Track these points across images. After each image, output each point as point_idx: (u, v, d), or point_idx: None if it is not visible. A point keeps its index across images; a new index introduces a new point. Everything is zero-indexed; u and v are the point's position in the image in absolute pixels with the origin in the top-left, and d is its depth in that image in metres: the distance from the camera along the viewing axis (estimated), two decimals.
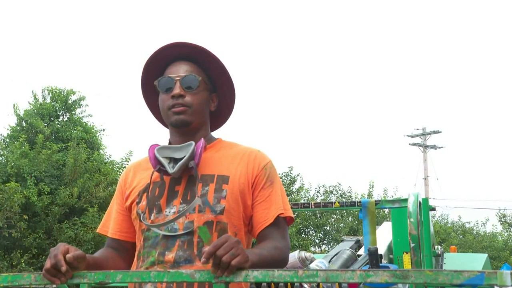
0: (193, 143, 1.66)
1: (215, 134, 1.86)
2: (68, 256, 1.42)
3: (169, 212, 1.64)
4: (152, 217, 1.65)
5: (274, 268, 1.56)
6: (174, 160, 1.67)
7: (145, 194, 1.69)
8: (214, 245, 1.33)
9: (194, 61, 1.77)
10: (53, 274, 1.41)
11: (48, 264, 1.42)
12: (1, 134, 14.98)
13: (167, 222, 1.60)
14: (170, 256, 1.58)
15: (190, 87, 1.71)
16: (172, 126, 1.74)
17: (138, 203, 1.70)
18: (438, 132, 26.29)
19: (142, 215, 1.67)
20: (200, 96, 1.74)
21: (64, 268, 1.40)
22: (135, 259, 1.69)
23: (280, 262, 1.63)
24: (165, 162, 1.65)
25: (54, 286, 1.47)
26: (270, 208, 1.68)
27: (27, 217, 11.86)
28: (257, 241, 1.68)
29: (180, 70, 1.73)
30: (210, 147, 1.75)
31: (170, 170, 1.63)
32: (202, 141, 1.68)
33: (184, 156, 1.65)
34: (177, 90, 1.70)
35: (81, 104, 15.75)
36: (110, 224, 1.80)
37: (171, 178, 1.68)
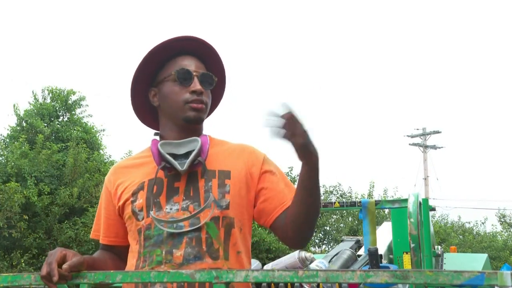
0: (198, 139, 1.64)
1: (208, 128, 1.82)
2: (64, 267, 1.42)
3: (171, 209, 1.60)
4: (151, 215, 1.60)
5: (315, 206, 1.61)
6: (174, 157, 1.64)
7: (141, 192, 1.64)
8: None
9: (198, 56, 1.74)
10: (49, 280, 1.42)
11: (43, 271, 1.43)
12: (1, 134, 15.02)
13: (177, 221, 1.56)
14: (178, 253, 1.54)
15: (207, 86, 1.70)
16: (184, 121, 1.68)
17: (133, 201, 1.65)
18: (438, 132, 26.33)
19: (139, 213, 1.62)
20: (210, 97, 1.73)
21: (56, 278, 1.40)
22: (134, 260, 1.62)
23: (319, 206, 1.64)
24: (171, 159, 1.61)
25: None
26: (284, 191, 1.67)
27: (27, 217, 11.87)
28: (279, 223, 1.65)
29: (193, 65, 1.71)
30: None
31: (180, 167, 1.60)
32: (207, 137, 1.67)
33: (185, 153, 1.63)
34: (198, 86, 1.66)
35: (81, 104, 15.78)
36: (101, 229, 1.77)
37: (170, 174, 1.64)
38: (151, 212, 1.60)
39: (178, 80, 1.68)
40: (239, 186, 1.64)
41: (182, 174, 1.63)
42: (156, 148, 1.63)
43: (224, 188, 1.62)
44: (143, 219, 1.62)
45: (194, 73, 1.69)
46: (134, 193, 1.66)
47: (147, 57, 1.72)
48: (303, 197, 1.58)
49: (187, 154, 1.63)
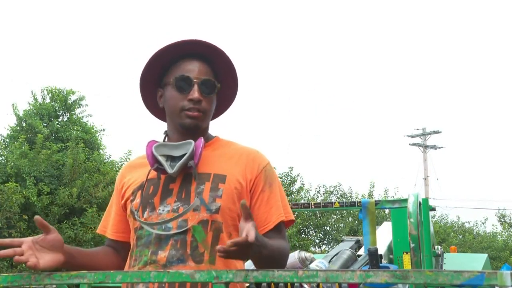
0: (193, 141, 1.64)
1: (212, 131, 1.83)
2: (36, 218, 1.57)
3: (163, 210, 1.62)
4: (145, 215, 1.64)
5: (276, 262, 1.59)
6: (172, 158, 1.66)
7: (139, 192, 1.67)
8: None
9: (204, 58, 1.73)
10: (18, 253, 1.49)
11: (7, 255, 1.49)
12: (1, 134, 15.01)
13: (164, 222, 1.59)
14: (162, 255, 1.57)
15: (208, 92, 1.69)
16: (181, 127, 1.70)
17: (132, 201, 1.69)
18: (438, 132, 26.35)
19: (135, 213, 1.65)
20: (213, 102, 1.72)
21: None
22: (129, 258, 1.68)
23: (283, 258, 1.64)
24: (163, 161, 1.63)
25: (54, 286, 1.48)
26: (269, 212, 1.66)
27: (27, 217, 11.86)
28: None
29: (196, 71, 1.69)
30: (208, 145, 1.72)
31: (170, 170, 1.62)
32: (201, 140, 1.66)
33: (182, 155, 1.64)
34: (196, 94, 1.66)
35: (81, 104, 15.78)
36: (108, 225, 1.80)
37: (166, 176, 1.66)
38: (145, 213, 1.64)
39: (176, 87, 1.69)
40: (233, 191, 1.64)
41: (176, 176, 1.65)
42: (150, 150, 1.66)
43: (217, 192, 1.63)
44: (138, 218, 1.65)
45: (195, 80, 1.68)
46: (134, 192, 1.71)
47: (153, 59, 1.73)
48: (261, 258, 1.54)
49: (183, 157, 1.64)
